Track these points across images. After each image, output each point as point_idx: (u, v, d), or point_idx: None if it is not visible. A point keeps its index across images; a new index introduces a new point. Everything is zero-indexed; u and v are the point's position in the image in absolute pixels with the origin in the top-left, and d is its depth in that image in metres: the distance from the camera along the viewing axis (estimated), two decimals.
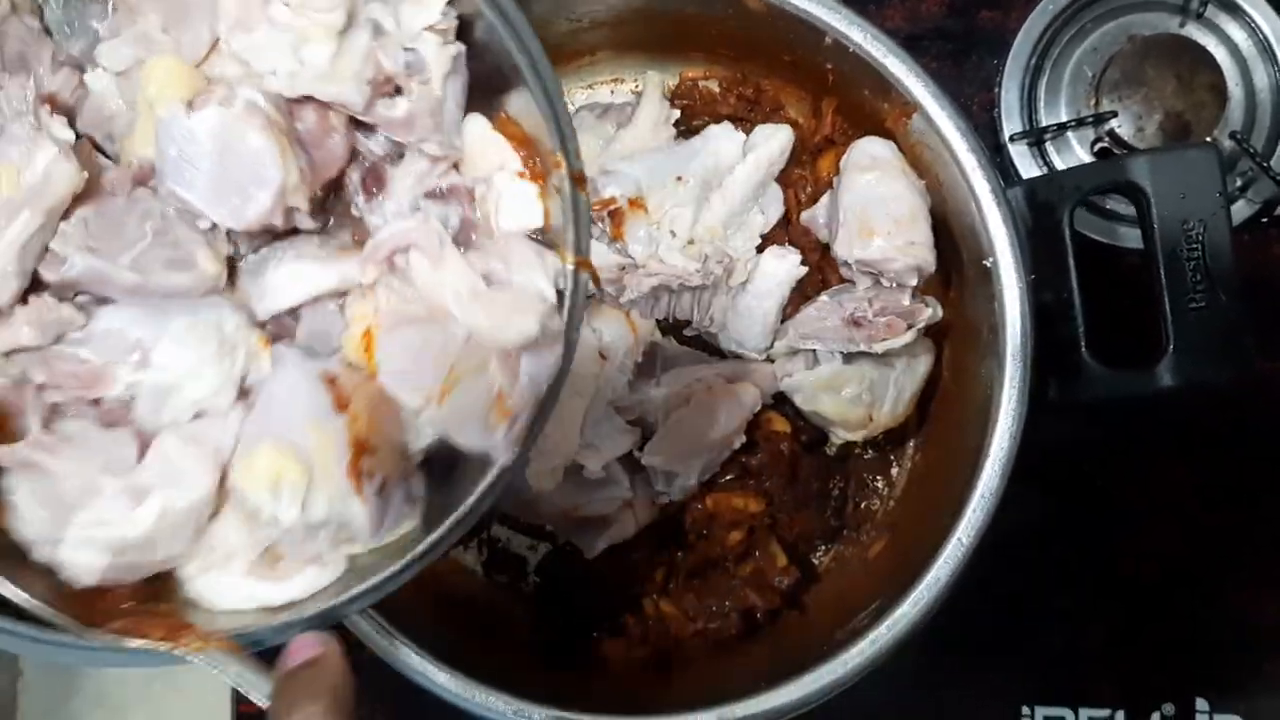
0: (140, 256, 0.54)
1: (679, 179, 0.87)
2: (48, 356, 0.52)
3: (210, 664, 0.55)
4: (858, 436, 0.88)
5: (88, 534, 0.51)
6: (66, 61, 0.58)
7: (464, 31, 0.57)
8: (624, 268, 0.87)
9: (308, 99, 0.55)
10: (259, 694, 0.55)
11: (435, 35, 0.56)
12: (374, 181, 0.59)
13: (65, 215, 0.54)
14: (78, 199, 0.54)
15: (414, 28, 0.56)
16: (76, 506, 0.51)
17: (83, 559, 0.51)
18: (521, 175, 0.58)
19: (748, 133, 0.91)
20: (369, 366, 0.55)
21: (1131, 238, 1.00)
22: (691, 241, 0.87)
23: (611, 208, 0.87)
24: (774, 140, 0.89)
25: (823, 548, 0.95)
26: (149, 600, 0.55)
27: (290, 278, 0.57)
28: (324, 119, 0.56)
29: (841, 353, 0.85)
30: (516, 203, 0.57)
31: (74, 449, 0.52)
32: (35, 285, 0.54)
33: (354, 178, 0.59)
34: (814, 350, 0.87)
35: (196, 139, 0.53)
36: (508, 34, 0.56)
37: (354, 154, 0.59)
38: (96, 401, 0.54)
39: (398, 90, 0.56)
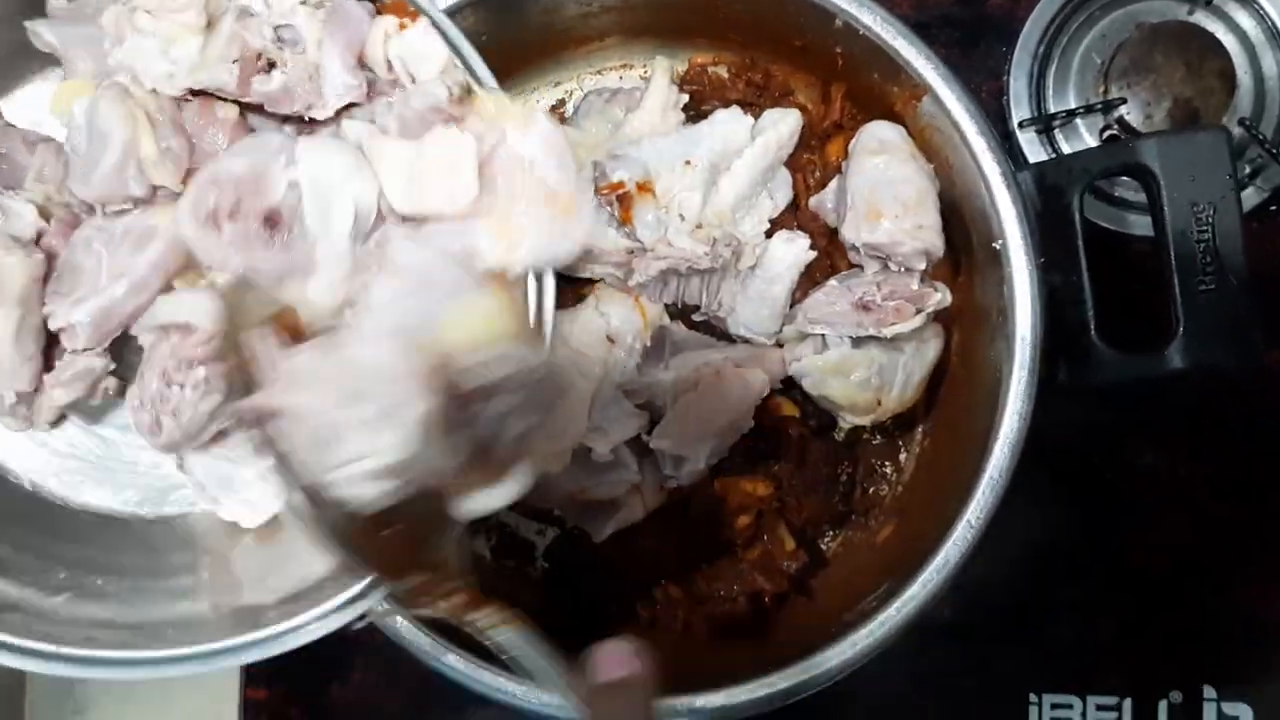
0: (109, 267, 0.59)
1: (687, 163, 0.87)
2: (208, 177, 0.57)
3: (508, 647, 0.55)
4: (866, 421, 0.88)
5: (351, 471, 0.51)
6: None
7: None
8: (633, 252, 0.87)
9: (192, 94, 0.60)
10: (559, 692, 0.54)
11: (306, 8, 0.60)
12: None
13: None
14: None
15: (284, 6, 0.60)
16: (331, 442, 0.51)
17: (360, 492, 0.52)
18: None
19: (756, 117, 0.90)
20: None
21: (1141, 225, 1.00)
22: (700, 225, 0.87)
23: (620, 192, 0.87)
24: (782, 124, 0.89)
25: (831, 532, 0.95)
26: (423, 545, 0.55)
27: None
28: (207, 112, 0.61)
29: (850, 337, 0.85)
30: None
31: (303, 385, 0.52)
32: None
33: None
34: (823, 335, 0.87)
35: (78, 127, 0.59)
36: None
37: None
38: (271, 223, 0.57)
39: (271, 65, 0.60)
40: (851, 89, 0.91)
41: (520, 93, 1.00)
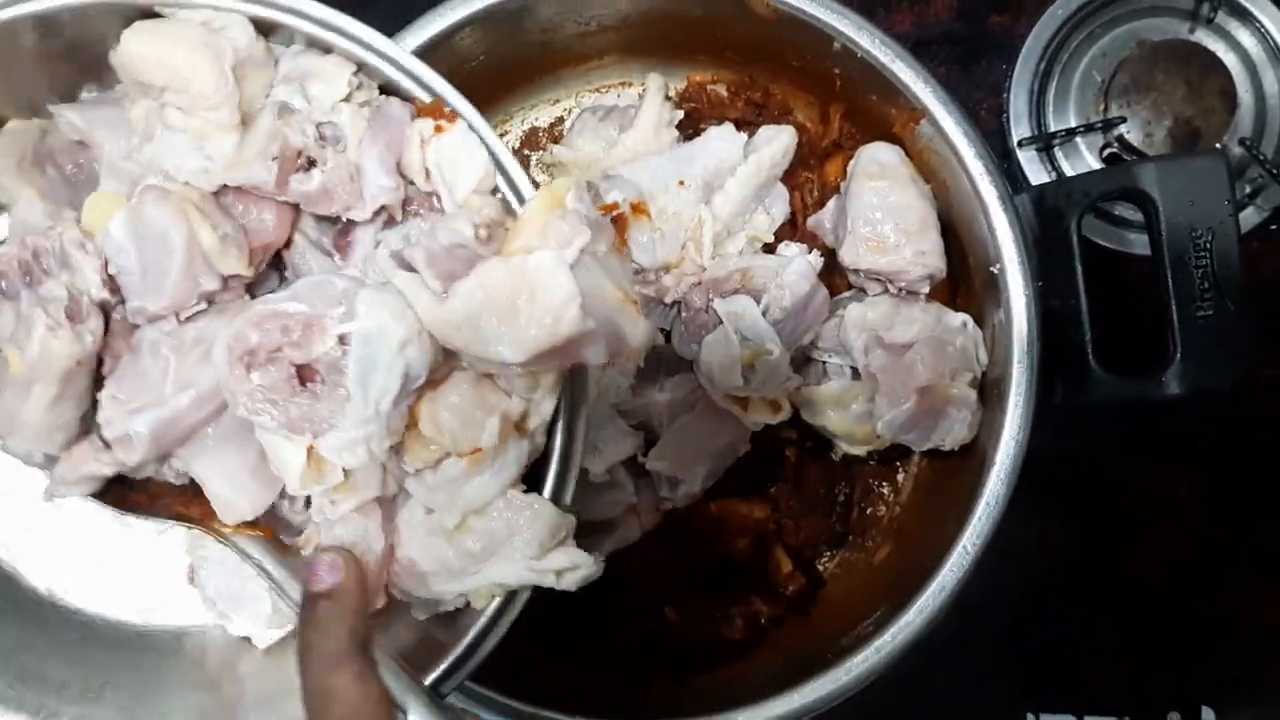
0: (176, 376, 0.56)
1: (681, 183, 0.87)
2: (256, 316, 0.53)
3: (242, 550, 0.58)
4: (863, 451, 0.88)
5: None
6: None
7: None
8: (637, 271, 0.87)
9: (227, 188, 0.57)
10: (287, 595, 0.58)
11: (350, 105, 0.57)
12: (341, 240, 0.61)
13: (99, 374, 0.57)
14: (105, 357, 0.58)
15: (327, 102, 0.57)
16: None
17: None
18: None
19: (753, 136, 0.90)
20: None
21: (1140, 244, 0.99)
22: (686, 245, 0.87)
23: (614, 213, 0.87)
24: (776, 141, 0.89)
25: (828, 554, 0.95)
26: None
27: None
28: (248, 195, 0.58)
29: (851, 368, 0.85)
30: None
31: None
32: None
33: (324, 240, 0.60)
34: (824, 362, 0.87)
35: (122, 246, 0.55)
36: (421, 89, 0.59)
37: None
38: (304, 376, 0.53)
39: (311, 164, 0.57)
40: (850, 109, 0.91)
41: (519, 110, 1.00)
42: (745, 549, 0.90)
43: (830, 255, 0.89)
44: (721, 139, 0.89)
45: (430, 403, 0.54)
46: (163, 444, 0.56)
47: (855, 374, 0.85)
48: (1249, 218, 1.00)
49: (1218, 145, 0.98)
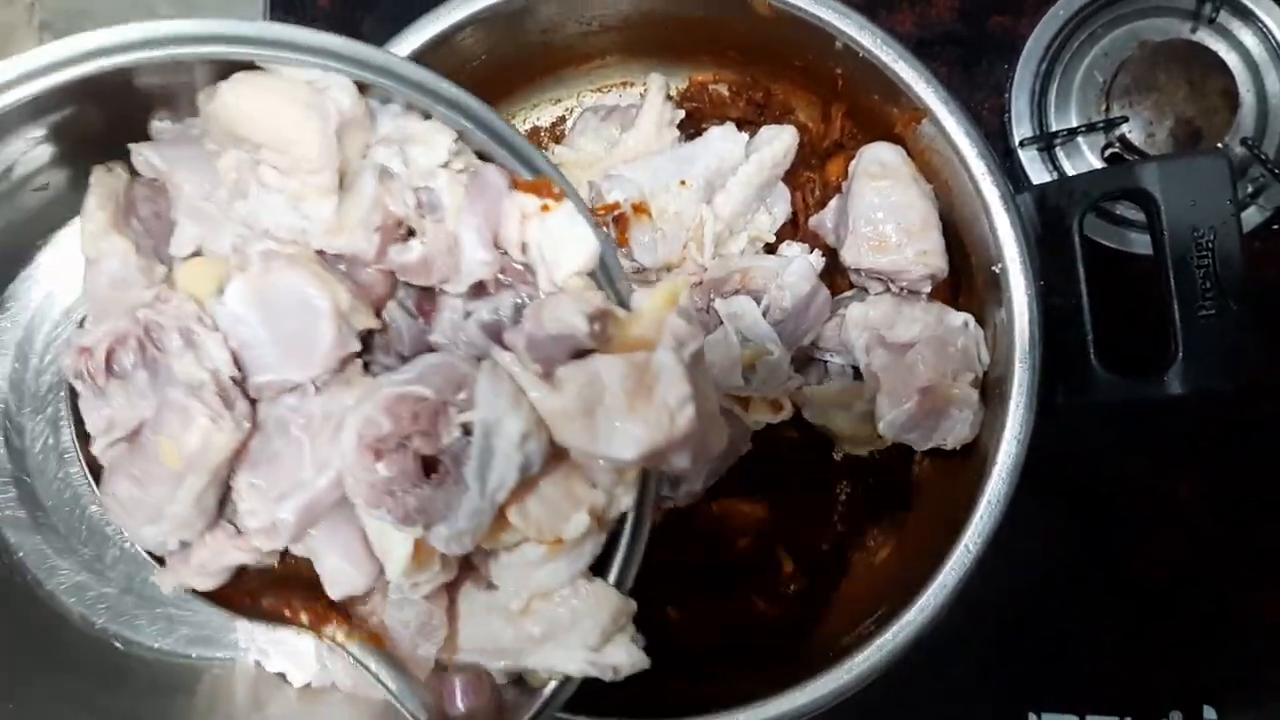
0: (313, 457, 0.53)
1: (683, 183, 0.87)
2: (386, 400, 0.50)
3: (361, 660, 0.56)
4: (864, 451, 0.88)
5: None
6: None
7: None
8: (638, 271, 0.87)
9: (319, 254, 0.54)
10: (404, 709, 0.55)
11: (448, 171, 0.54)
12: (425, 301, 0.57)
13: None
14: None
15: (425, 167, 0.54)
16: None
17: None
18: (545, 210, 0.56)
19: (754, 135, 0.90)
20: None
21: (1142, 243, 0.99)
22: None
23: (616, 213, 0.87)
24: (778, 141, 0.89)
25: (829, 553, 0.95)
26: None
27: None
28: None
29: (853, 368, 0.85)
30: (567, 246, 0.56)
31: None
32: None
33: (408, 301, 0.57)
34: (825, 362, 0.87)
35: (241, 318, 0.52)
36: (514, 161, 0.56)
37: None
38: (429, 467, 0.51)
39: (410, 233, 0.54)
40: (852, 109, 0.91)
41: (520, 109, 1.00)
42: (747, 548, 0.90)
43: (832, 255, 0.90)
44: (723, 139, 0.89)
45: (520, 491, 0.52)
46: (304, 526, 0.54)
47: (857, 374, 0.85)
48: (1251, 217, 1.00)
49: (1220, 145, 0.98)
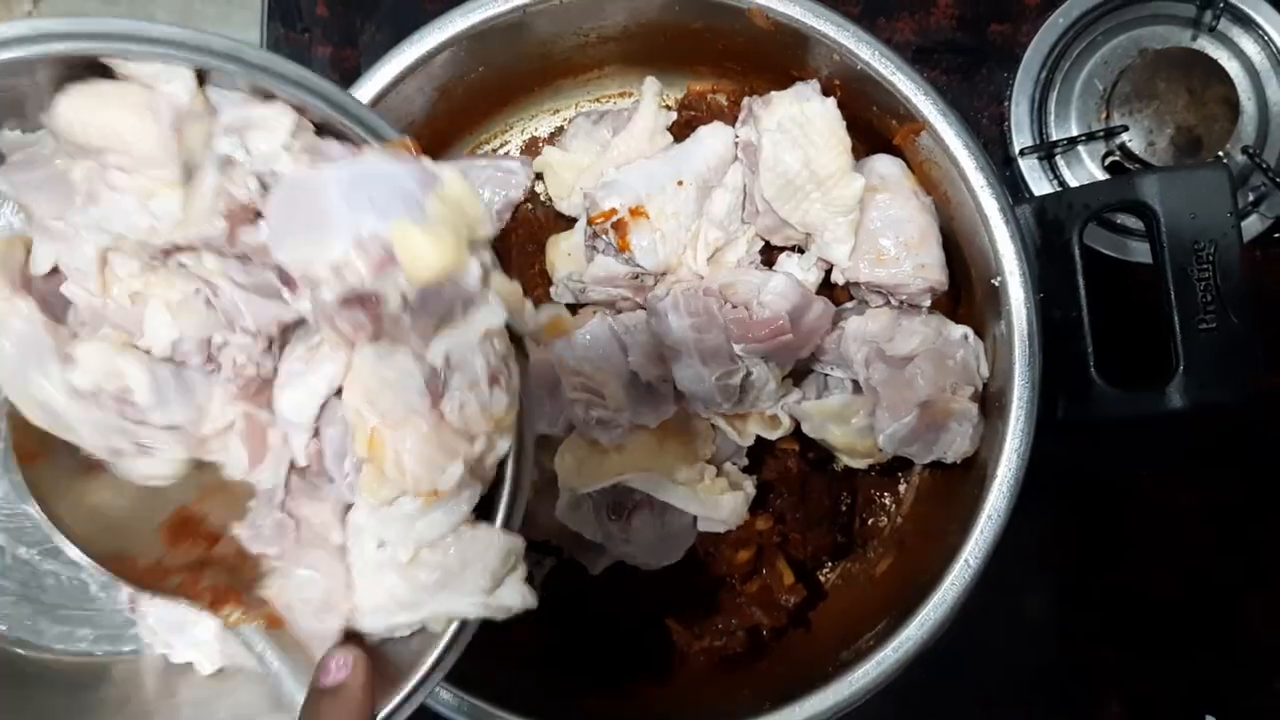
0: None
1: (679, 183, 0.87)
2: None
3: (249, 642, 0.58)
4: (864, 465, 0.88)
5: None
6: None
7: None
8: (637, 276, 0.87)
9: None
10: (288, 689, 0.57)
11: (290, 153, 0.56)
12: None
13: None
14: None
15: (267, 151, 0.56)
16: None
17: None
18: None
19: None
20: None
21: (1142, 252, 0.99)
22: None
23: (614, 219, 0.87)
24: None
25: (830, 564, 0.95)
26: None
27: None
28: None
29: (852, 381, 0.85)
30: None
31: None
32: None
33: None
34: (825, 375, 0.86)
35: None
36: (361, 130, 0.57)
37: None
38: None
39: (258, 215, 0.56)
40: (851, 121, 0.90)
41: (519, 120, 1.00)
42: (747, 561, 0.89)
43: (831, 267, 0.89)
44: (713, 136, 0.89)
45: (394, 444, 0.54)
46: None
47: (856, 387, 0.85)
48: (1252, 226, 0.99)
49: (1220, 153, 0.98)
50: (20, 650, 0.67)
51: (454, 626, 0.59)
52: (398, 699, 0.58)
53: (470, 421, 0.55)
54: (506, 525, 0.60)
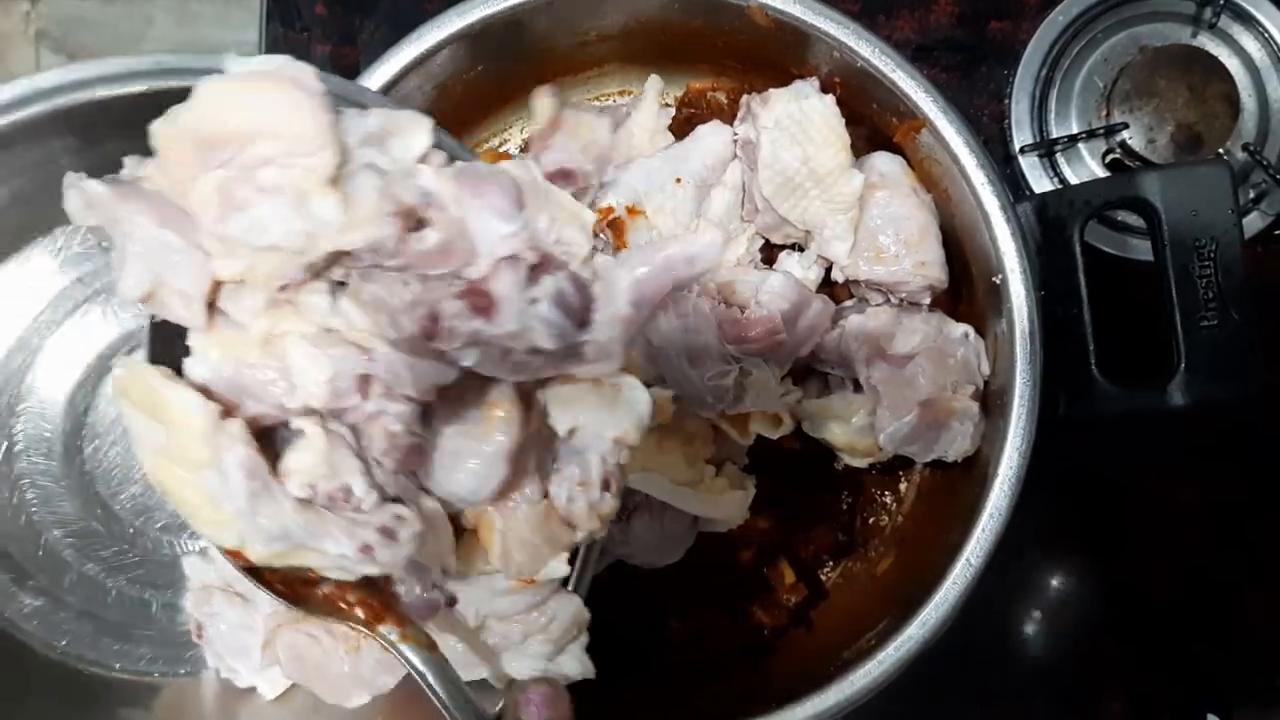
0: None
1: (678, 181, 0.86)
2: None
3: (417, 663, 0.54)
4: (864, 463, 0.87)
5: None
6: None
7: None
8: None
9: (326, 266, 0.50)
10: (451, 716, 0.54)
11: (429, 165, 0.51)
12: (476, 300, 0.51)
13: None
14: None
15: (409, 160, 0.51)
16: None
17: None
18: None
19: None
20: None
21: (1143, 250, 0.99)
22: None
23: (611, 217, 0.86)
24: None
25: (831, 563, 0.95)
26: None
27: None
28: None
29: (852, 380, 0.85)
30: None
31: None
32: None
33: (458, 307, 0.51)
34: (825, 374, 0.86)
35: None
36: None
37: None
38: None
39: (420, 224, 0.50)
40: (851, 118, 0.90)
41: (518, 119, 1.00)
42: (749, 560, 0.89)
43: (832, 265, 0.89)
44: (712, 134, 0.89)
45: (501, 525, 0.51)
46: None
47: (857, 386, 0.85)
48: (1253, 223, 0.99)
49: (1220, 150, 0.98)
50: (80, 667, 0.68)
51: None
52: None
53: (576, 517, 0.53)
54: (575, 590, 0.59)
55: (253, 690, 0.66)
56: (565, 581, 0.59)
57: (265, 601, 0.63)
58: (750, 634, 0.90)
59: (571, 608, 0.58)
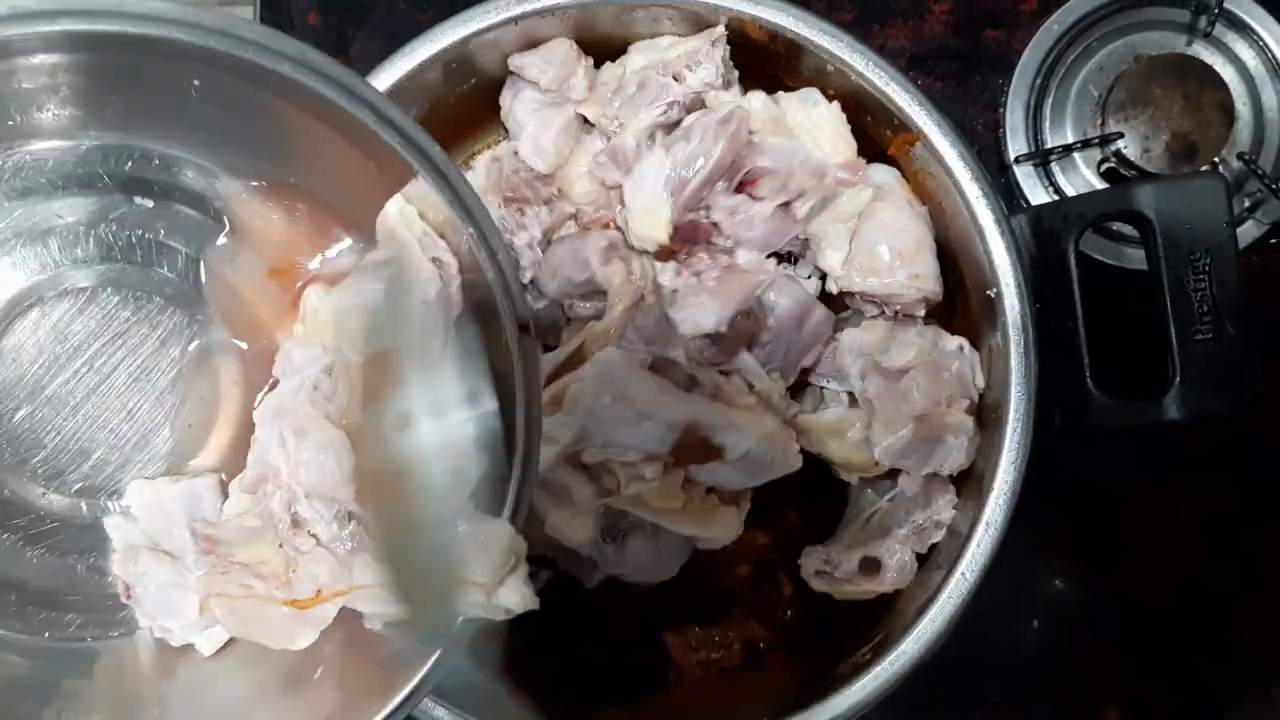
0: None
1: None
2: None
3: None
4: (856, 480, 0.87)
5: None
6: None
7: None
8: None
9: None
10: None
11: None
12: None
13: None
14: None
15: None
16: None
17: None
18: None
19: None
20: None
21: (1138, 259, 0.98)
22: None
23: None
24: None
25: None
26: None
27: None
28: None
29: (848, 394, 0.84)
30: None
31: None
32: None
33: None
34: (821, 388, 0.86)
35: None
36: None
37: None
38: None
39: None
40: None
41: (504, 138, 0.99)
42: (747, 575, 0.89)
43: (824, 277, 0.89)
44: None
45: None
46: None
47: (852, 400, 0.84)
48: (1248, 232, 0.99)
49: (1215, 160, 0.97)
50: (5, 634, 0.65)
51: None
52: (390, 706, 0.56)
53: None
54: (512, 518, 0.58)
55: (190, 647, 0.64)
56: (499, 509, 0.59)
57: (194, 560, 0.63)
58: (746, 648, 0.89)
59: (504, 537, 0.56)
